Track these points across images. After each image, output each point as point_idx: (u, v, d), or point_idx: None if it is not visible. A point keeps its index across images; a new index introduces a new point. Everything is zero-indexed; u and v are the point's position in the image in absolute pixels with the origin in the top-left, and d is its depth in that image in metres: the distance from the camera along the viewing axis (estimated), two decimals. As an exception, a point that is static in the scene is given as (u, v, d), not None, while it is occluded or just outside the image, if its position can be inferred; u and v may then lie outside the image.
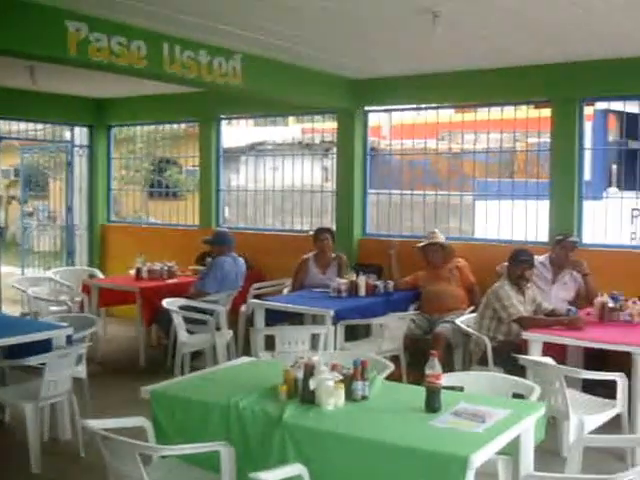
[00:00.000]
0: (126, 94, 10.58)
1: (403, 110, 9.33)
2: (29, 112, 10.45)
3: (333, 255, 8.41)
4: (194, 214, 10.73)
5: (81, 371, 5.98)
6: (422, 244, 7.96)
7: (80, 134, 11.49)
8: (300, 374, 3.97)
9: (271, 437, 3.73)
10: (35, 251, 12.41)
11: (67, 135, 12.10)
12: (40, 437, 5.49)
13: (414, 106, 9.10)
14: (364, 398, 3.95)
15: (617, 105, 9.82)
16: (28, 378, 5.99)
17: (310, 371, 3.92)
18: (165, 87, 9.25)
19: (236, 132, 14.34)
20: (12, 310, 9.81)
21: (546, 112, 8.15)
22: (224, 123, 10.52)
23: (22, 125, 11.40)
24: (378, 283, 7.76)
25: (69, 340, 5.80)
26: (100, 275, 9.89)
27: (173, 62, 6.44)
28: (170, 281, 8.68)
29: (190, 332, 7.48)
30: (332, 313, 6.80)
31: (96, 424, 3.74)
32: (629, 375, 5.35)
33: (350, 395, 3.91)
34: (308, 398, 3.87)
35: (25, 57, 6.22)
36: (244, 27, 6.29)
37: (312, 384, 3.87)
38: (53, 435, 5.92)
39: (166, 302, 7.42)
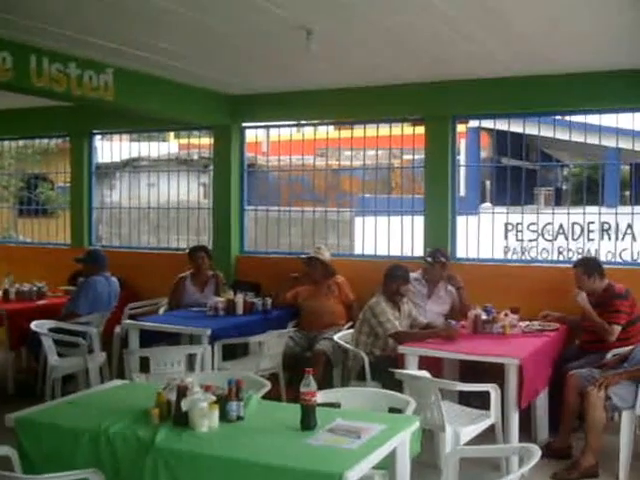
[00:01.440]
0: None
1: (281, 127, 9.37)
2: None
3: (210, 273, 8.35)
4: (66, 232, 10.44)
5: (-59, 399, 5.71)
6: (303, 257, 8.00)
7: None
8: (173, 396, 3.91)
9: (143, 462, 3.64)
10: None
11: None
12: None
13: (292, 122, 9.16)
14: (239, 418, 3.92)
15: (488, 123, 10.15)
16: None
17: (183, 392, 3.86)
18: (34, 100, 9.00)
19: (111, 147, 14.06)
20: None
21: (420, 129, 8.35)
22: (97, 138, 10.29)
23: None
24: (256, 301, 7.75)
25: None
26: (-37, 297, 9.47)
27: (41, 75, 6.26)
28: (40, 302, 8.42)
29: (61, 355, 7.25)
30: (209, 332, 6.75)
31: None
32: (503, 386, 5.52)
33: (225, 416, 3.88)
34: (181, 421, 3.82)
35: None
36: (115, 40, 6.19)
37: (185, 406, 3.81)
38: None
39: (35, 324, 7.17)
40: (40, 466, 3.90)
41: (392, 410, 4.48)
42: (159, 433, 3.71)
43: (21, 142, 11.46)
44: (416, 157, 8.88)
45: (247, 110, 8.97)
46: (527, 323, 6.71)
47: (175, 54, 6.69)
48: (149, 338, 7.20)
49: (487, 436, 5.34)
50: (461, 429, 5.12)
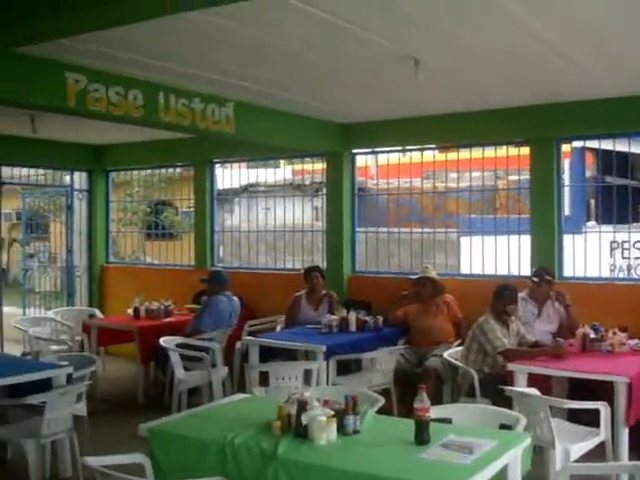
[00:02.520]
0: (123, 140, 10.64)
1: (389, 152, 9.39)
2: (31, 158, 10.51)
3: (324, 292, 8.42)
4: (190, 254, 10.75)
5: (81, 409, 5.93)
6: (414, 277, 7.98)
7: (79, 178, 11.51)
8: (293, 410, 3.96)
9: (266, 472, 3.70)
10: (36, 291, 12.36)
11: (67, 179, 12.14)
12: (42, 474, 5.44)
13: (399, 148, 9.17)
14: (355, 432, 3.93)
15: (593, 143, 9.90)
16: (29, 416, 5.94)
17: (303, 406, 3.91)
18: (161, 133, 9.31)
19: (230, 174, 14.40)
20: (14, 350, 9.74)
21: (525, 150, 8.23)
22: (218, 166, 10.55)
23: (24, 170, 11.42)
24: (368, 319, 7.76)
25: (69, 379, 5.77)
26: (99, 315, 9.87)
27: (168, 110, 6.49)
28: (167, 320, 8.67)
29: (187, 369, 7.44)
30: (324, 349, 6.79)
31: (95, 461, 3.71)
32: (612, 403, 5.35)
33: (342, 429, 3.89)
34: (301, 433, 3.86)
35: (26, 107, 6.27)
36: (234, 76, 6.34)
37: (305, 419, 3.85)
38: (54, 472, 5.84)
39: (163, 340, 7.39)
40: (170, 474, 4.02)
41: (502, 427, 4.41)
42: (281, 445, 3.76)
43: (148, 171, 11.84)
44: (521, 177, 8.74)
45: (357, 137, 9.05)
46: (636, 341, 6.49)
47: (289, 87, 6.82)
48: (267, 353, 7.31)
49: (596, 453, 5.17)
50: (571, 446, 4.98)
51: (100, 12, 3.30)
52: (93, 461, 3.70)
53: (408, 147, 9.17)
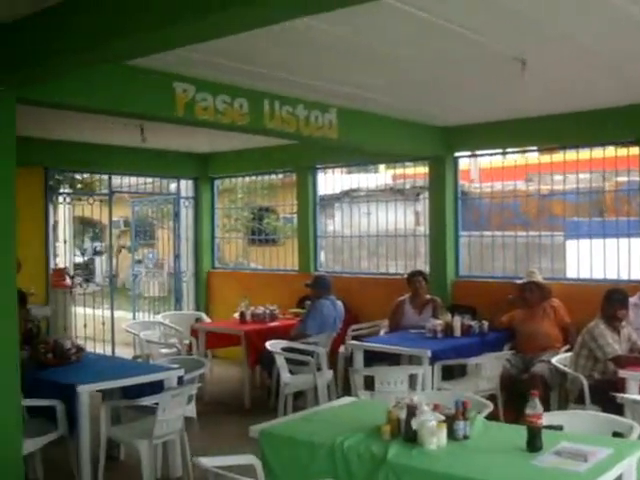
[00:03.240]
0: (228, 148, 10.85)
1: (491, 155, 9.25)
2: (140, 167, 10.86)
3: (428, 297, 8.35)
4: (293, 259, 10.87)
5: (191, 410, 6.06)
6: (519, 282, 7.83)
7: (186, 186, 11.80)
8: (403, 414, 3.94)
9: (376, 476, 3.69)
10: (144, 296, 12.72)
11: (172, 187, 12.45)
12: (153, 474, 5.57)
13: (499, 150, 9.02)
14: (466, 438, 3.88)
15: None
16: (141, 417, 6.11)
17: (412, 411, 3.89)
18: (264, 140, 9.46)
19: (330, 180, 14.48)
20: (124, 352, 10.05)
21: (635, 150, 7.96)
22: (319, 172, 10.63)
23: (132, 179, 11.78)
24: (473, 323, 7.66)
25: (180, 381, 5.91)
26: (206, 319, 10.09)
27: (273, 117, 6.57)
28: (272, 324, 8.77)
29: (292, 373, 7.51)
30: (429, 353, 6.73)
31: (208, 462, 3.78)
32: None
33: (452, 435, 3.86)
34: (411, 438, 3.84)
35: (137, 117, 6.45)
36: (337, 82, 6.37)
37: (415, 424, 3.83)
38: (164, 472, 6.00)
39: (269, 344, 7.49)
40: (280, 475, 4.06)
41: (614, 434, 4.27)
42: (391, 449, 3.75)
43: (251, 178, 12.04)
44: (630, 179, 8.45)
45: (458, 140, 8.94)
46: None
47: (392, 92, 6.80)
48: (371, 358, 7.30)
49: None
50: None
51: (217, 20, 3.36)
52: (206, 462, 3.77)
53: (509, 150, 9.00)
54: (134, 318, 11.45)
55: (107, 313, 11.23)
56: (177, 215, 11.77)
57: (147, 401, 5.52)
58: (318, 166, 10.45)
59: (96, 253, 21.89)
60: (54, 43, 4.10)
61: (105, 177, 11.24)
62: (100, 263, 20.65)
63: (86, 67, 4.71)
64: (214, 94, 6.05)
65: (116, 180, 11.38)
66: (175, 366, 6.18)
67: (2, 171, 4.77)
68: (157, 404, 5.42)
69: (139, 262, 14.36)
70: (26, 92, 4.88)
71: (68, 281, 10.26)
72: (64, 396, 5.44)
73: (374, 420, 4.15)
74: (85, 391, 5.39)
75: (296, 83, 6.26)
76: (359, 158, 10.09)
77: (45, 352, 6.10)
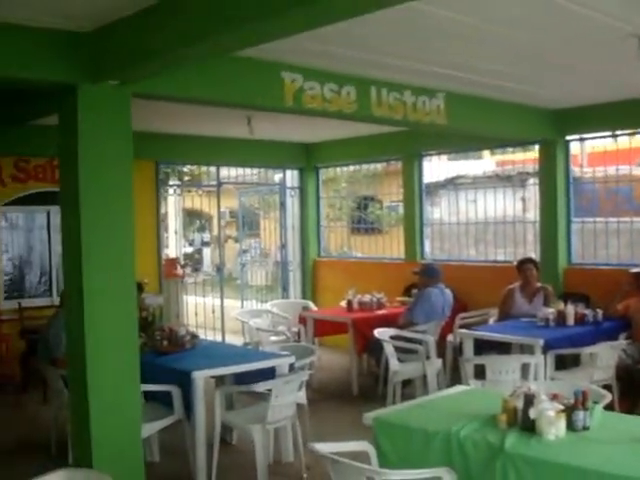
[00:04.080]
0: (332, 137, 10.88)
1: (602, 137, 8.94)
2: (246, 158, 11.01)
3: (538, 285, 8.15)
4: (397, 247, 10.83)
5: (302, 397, 6.11)
6: (634, 270, 7.56)
7: (291, 176, 11.90)
8: (520, 403, 3.87)
9: (493, 465, 3.64)
10: (250, 285, 12.90)
11: (275, 178, 12.59)
12: (266, 459, 5.65)
13: (609, 133, 8.70)
14: (585, 428, 3.77)
15: None
16: (254, 403, 6.21)
17: (530, 400, 3.80)
18: (368, 128, 9.44)
19: (434, 167, 14.34)
20: (233, 340, 10.23)
21: None
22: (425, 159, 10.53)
23: (238, 171, 11.96)
24: (586, 312, 7.43)
25: (291, 368, 5.97)
26: (313, 307, 10.15)
27: (380, 104, 6.52)
28: (379, 312, 8.75)
29: (400, 361, 7.47)
30: (542, 342, 6.57)
31: (324, 448, 3.80)
32: None
33: (571, 425, 3.75)
34: (528, 427, 3.76)
35: (246, 108, 6.52)
36: (444, 66, 6.26)
37: (532, 413, 3.75)
38: (277, 457, 6.08)
39: (377, 332, 7.47)
40: (394, 462, 4.04)
41: None
42: (508, 438, 3.68)
43: (352, 168, 12.03)
44: None
45: (570, 123, 8.66)
46: None
47: (502, 74, 6.63)
48: (479, 347, 7.18)
49: None
50: None
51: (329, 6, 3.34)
52: (322, 447, 3.78)
53: (620, 132, 8.67)
54: (242, 306, 11.62)
55: (215, 301, 11.49)
56: (283, 205, 11.88)
57: (261, 387, 5.58)
58: (424, 153, 10.35)
59: (203, 244, 22.37)
60: (166, 36, 4.17)
61: (210, 169, 11.46)
62: (207, 253, 21.13)
63: (197, 60, 4.78)
64: (322, 82, 6.04)
65: (222, 172, 11.59)
66: (285, 353, 6.26)
67: (121, 165, 4.92)
68: (270, 390, 5.49)
69: (244, 252, 14.59)
70: (140, 87, 5.00)
71: (180, 271, 10.52)
72: (179, 382, 5.59)
73: (489, 409, 4.09)
74: (200, 377, 5.51)
75: (404, 68, 6.19)
76: (466, 144, 9.94)
77: (161, 339, 6.27)
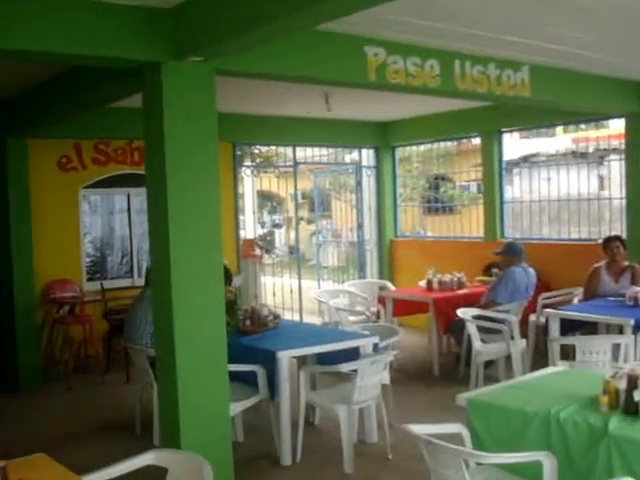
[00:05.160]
0: (408, 115, 10.70)
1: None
2: (322, 138, 10.91)
3: (625, 263, 7.84)
4: (472, 226, 10.65)
5: (386, 377, 6.00)
6: None
7: (367, 155, 11.74)
8: (622, 385, 3.68)
9: (596, 449, 3.50)
10: (323, 266, 12.84)
11: (348, 158, 12.45)
12: (352, 439, 5.57)
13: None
14: (693, 411, 3.58)
15: None
16: (337, 383, 6.14)
17: (634, 382, 3.62)
18: (444, 105, 9.25)
19: (509, 145, 14.04)
20: (310, 320, 10.20)
21: None
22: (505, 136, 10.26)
23: (309, 152, 11.88)
24: (678, 291, 7.12)
25: (375, 348, 5.87)
26: (391, 287, 10.01)
27: (464, 78, 6.29)
28: (460, 292, 8.58)
29: (483, 341, 7.29)
30: (632, 322, 6.31)
31: (417, 429, 3.68)
32: None
33: (676, 408, 3.57)
34: (632, 410, 3.58)
35: (327, 84, 6.37)
36: (530, 36, 6.00)
37: (637, 395, 3.57)
38: (360, 437, 5.99)
39: (460, 312, 7.31)
40: (488, 444, 3.92)
41: None
42: (611, 421, 3.53)
43: (423, 147, 11.83)
44: None
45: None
46: None
47: (590, 45, 6.33)
48: (563, 327, 6.94)
49: None
50: None
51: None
52: (416, 429, 3.66)
53: None
54: (319, 287, 11.56)
55: (290, 282, 11.47)
56: (359, 184, 11.74)
57: (347, 368, 5.50)
58: (504, 130, 10.07)
59: (274, 225, 22.42)
60: (249, 12, 4.07)
61: (282, 151, 11.42)
62: (279, 235, 21.16)
63: (282, 34, 4.66)
64: (405, 56, 5.85)
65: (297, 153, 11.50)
66: (366, 333, 6.16)
67: (207, 141, 4.85)
68: (355, 371, 5.40)
69: (318, 233, 14.53)
70: (224, 63, 4.91)
71: (257, 251, 10.51)
72: (263, 362, 5.56)
73: (587, 390, 3.97)
74: (285, 357, 5.48)
75: (489, 40, 5.94)
76: (546, 119, 9.60)
77: (244, 319, 6.24)
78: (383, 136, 11.46)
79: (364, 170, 11.74)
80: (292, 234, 13.47)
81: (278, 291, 11.34)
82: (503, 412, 3.94)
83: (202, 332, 4.82)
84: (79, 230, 9.24)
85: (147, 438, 6.09)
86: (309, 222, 18.39)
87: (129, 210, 9.70)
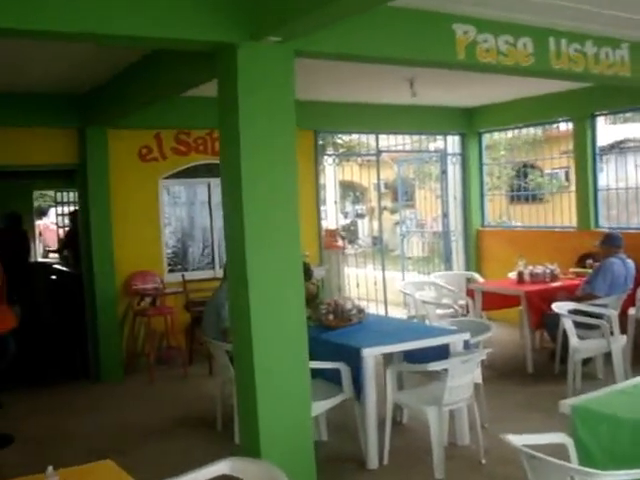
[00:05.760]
0: (494, 100, 10.19)
1: None
2: (406, 125, 10.50)
3: None
4: (562, 216, 10.09)
5: (478, 376, 5.60)
6: None
7: (452, 142, 11.27)
8: None
9: None
10: (407, 257, 12.44)
11: (431, 147, 11.99)
12: (442, 441, 5.20)
13: None
14: None
15: None
16: (425, 382, 5.79)
17: None
18: (532, 89, 8.80)
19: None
20: (395, 312, 9.86)
21: None
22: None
23: (392, 140, 11.49)
24: None
25: (466, 345, 5.47)
26: (479, 279, 9.55)
27: (559, 57, 5.79)
28: (554, 284, 8.04)
29: (579, 337, 6.79)
30: None
31: (517, 440, 3.28)
32: None
33: None
34: None
35: (414, 64, 5.96)
36: (631, 9, 5.45)
37: None
38: (451, 439, 5.62)
39: (555, 306, 6.83)
40: (598, 458, 3.46)
41: None
42: None
43: (509, 134, 11.27)
44: None
45: None
46: None
47: None
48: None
49: None
50: None
51: None
52: (515, 440, 3.26)
53: None
54: (403, 278, 11.17)
55: (374, 273, 11.10)
56: (444, 172, 11.27)
57: (436, 367, 5.11)
58: (597, 113, 9.44)
59: (357, 216, 22.12)
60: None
61: (364, 140, 11.06)
62: (361, 225, 20.85)
63: (362, 10, 4.31)
64: (496, 34, 5.40)
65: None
66: (454, 329, 5.77)
67: (284, 133, 4.56)
68: (445, 370, 5.02)
69: (401, 223, 14.17)
70: (302, 43, 4.59)
71: (340, 242, 10.23)
72: (347, 359, 5.25)
73: None
74: (371, 354, 5.16)
75: (586, 14, 5.43)
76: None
77: (326, 313, 5.93)
78: (469, 122, 10.94)
79: (449, 158, 11.25)
80: (375, 224, 13.13)
81: (362, 282, 11.00)
82: (615, 422, 3.48)
83: (281, 327, 4.54)
84: (160, 221, 9.09)
85: (228, 435, 5.88)
86: (392, 212, 18.05)
87: (209, 200, 9.52)
